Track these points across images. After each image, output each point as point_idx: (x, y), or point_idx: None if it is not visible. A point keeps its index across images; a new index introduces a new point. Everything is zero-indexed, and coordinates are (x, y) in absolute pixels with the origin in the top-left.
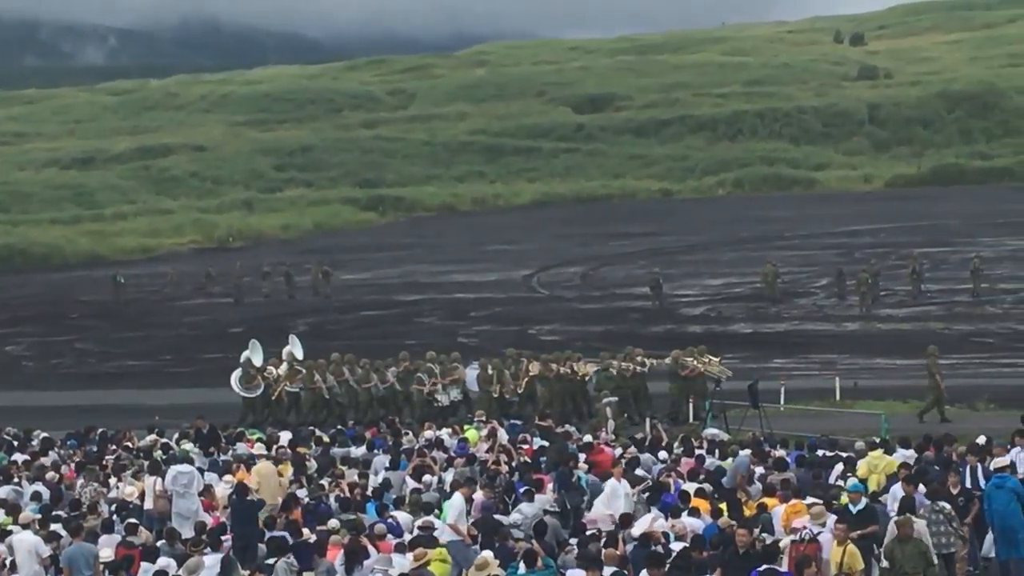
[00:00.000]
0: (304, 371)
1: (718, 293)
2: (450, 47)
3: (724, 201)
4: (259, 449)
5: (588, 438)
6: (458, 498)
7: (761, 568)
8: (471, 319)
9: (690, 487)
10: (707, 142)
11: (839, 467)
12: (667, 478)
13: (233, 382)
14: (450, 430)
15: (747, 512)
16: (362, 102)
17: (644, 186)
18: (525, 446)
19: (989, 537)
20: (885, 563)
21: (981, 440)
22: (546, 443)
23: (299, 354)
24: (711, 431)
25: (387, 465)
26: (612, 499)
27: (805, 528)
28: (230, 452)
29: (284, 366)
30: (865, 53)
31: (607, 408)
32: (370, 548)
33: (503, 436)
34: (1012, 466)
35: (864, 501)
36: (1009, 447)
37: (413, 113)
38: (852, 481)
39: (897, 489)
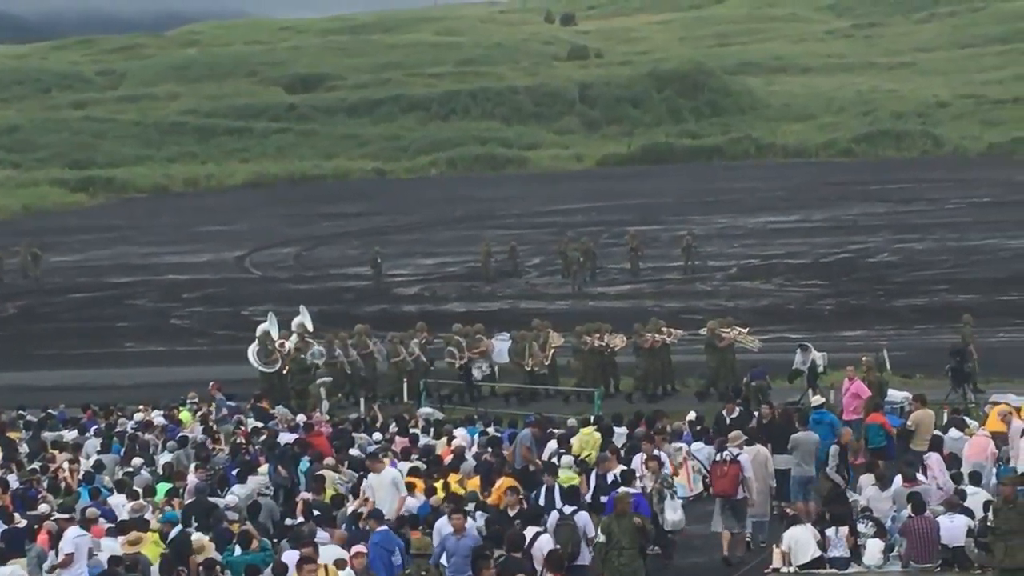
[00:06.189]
0: (314, 344)
1: (432, 273)
2: (160, 27)
3: (437, 181)
4: None
5: (302, 419)
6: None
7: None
8: (184, 301)
9: (404, 466)
10: (420, 122)
11: (552, 444)
12: (382, 457)
13: (250, 356)
14: (162, 411)
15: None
16: (71, 82)
17: (357, 166)
18: (240, 427)
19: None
20: (602, 537)
21: (691, 416)
22: (260, 424)
23: (309, 326)
24: (426, 410)
25: (99, 448)
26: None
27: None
28: None
29: (294, 338)
30: (576, 33)
31: (320, 388)
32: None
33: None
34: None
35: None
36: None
37: (123, 93)
38: (566, 458)
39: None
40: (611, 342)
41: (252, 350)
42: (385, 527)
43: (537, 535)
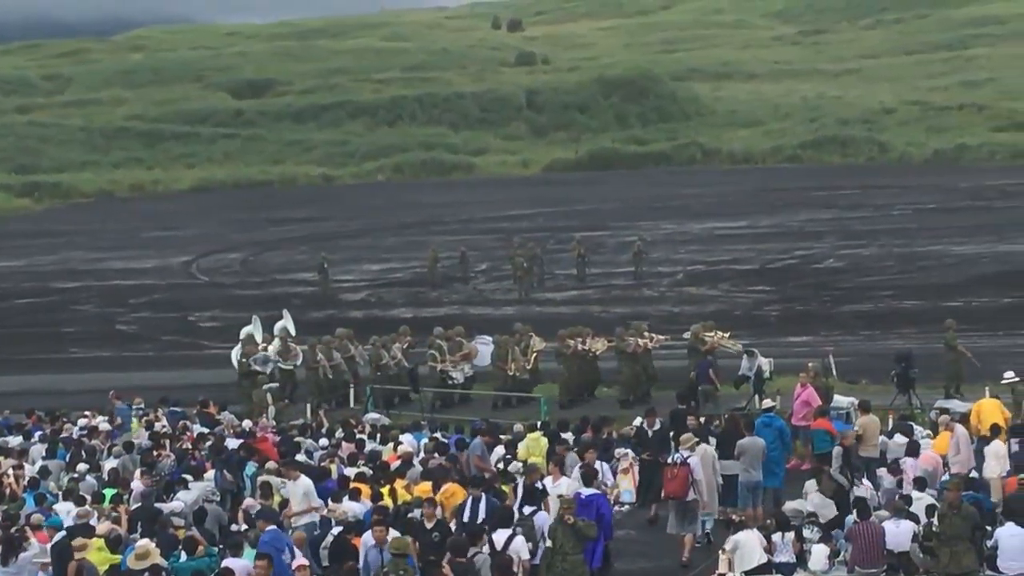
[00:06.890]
0: (296, 348)
1: (379, 278)
2: (106, 31)
3: (384, 186)
4: None
5: (248, 424)
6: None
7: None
8: (130, 306)
9: (351, 472)
10: (366, 127)
11: (500, 450)
12: (329, 463)
13: (234, 360)
14: (106, 417)
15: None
16: (16, 87)
17: (304, 171)
18: (187, 433)
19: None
20: (549, 542)
21: (637, 422)
22: (206, 429)
23: (292, 330)
24: (372, 416)
25: (44, 454)
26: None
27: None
28: None
29: (276, 342)
30: (523, 39)
31: (267, 394)
32: (30, 538)
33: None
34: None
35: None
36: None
37: (69, 98)
38: (515, 464)
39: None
40: (593, 346)
41: (235, 353)
42: (274, 527)
43: (511, 537)
